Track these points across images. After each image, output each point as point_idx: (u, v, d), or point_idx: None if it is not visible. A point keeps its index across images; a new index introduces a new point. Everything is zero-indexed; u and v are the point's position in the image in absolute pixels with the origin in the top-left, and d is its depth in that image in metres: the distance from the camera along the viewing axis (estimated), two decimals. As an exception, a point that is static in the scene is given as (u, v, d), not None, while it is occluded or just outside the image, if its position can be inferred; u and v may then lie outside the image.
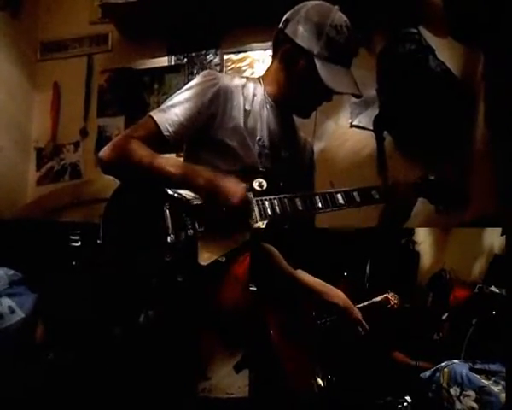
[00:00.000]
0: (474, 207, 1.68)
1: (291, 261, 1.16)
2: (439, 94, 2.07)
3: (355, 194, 1.29)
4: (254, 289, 1.13)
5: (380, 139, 2.30)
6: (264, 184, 1.21)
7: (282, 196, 1.24)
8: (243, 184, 1.20)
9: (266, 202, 1.22)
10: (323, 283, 1.19)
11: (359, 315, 1.18)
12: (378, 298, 1.27)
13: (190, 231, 1.18)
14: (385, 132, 2.30)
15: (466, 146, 2.08)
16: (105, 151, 1.25)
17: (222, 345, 1.17)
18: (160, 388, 1.18)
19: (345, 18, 1.33)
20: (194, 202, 1.22)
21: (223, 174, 1.21)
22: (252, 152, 1.33)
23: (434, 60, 2.10)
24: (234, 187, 1.19)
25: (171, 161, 1.25)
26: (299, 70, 1.33)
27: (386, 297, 1.28)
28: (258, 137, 1.35)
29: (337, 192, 1.28)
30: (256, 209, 1.22)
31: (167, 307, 1.16)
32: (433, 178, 1.41)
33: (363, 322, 1.18)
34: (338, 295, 1.18)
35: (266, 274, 1.15)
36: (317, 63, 1.29)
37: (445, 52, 2.15)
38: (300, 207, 1.24)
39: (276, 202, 1.23)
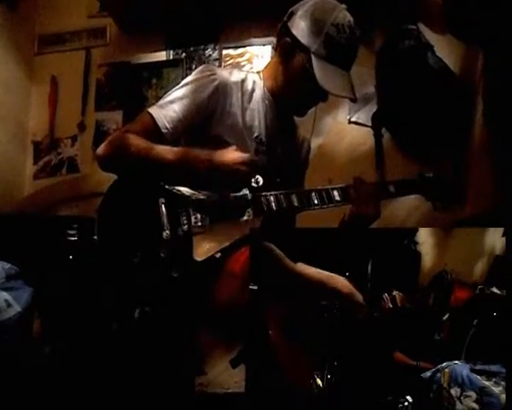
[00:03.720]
0: (472, 204, 1.68)
1: (291, 260, 1.16)
2: (438, 91, 2.06)
3: (351, 191, 1.29)
4: (255, 287, 1.13)
5: (378, 136, 2.30)
6: (261, 180, 1.21)
7: (277, 192, 1.24)
8: (242, 154, 1.21)
9: (262, 199, 1.22)
10: (325, 271, 1.19)
11: (361, 300, 1.18)
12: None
13: (186, 227, 1.18)
14: (383, 129, 2.30)
15: (464, 143, 2.07)
16: (101, 148, 1.25)
17: (218, 340, 1.17)
18: (157, 383, 1.18)
19: (349, 18, 1.29)
20: (191, 198, 1.21)
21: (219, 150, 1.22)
22: (249, 149, 1.32)
23: (433, 57, 2.10)
24: (235, 152, 1.20)
25: (167, 149, 1.23)
26: (296, 65, 1.31)
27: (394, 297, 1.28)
28: (255, 134, 1.34)
29: (333, 189, 1.28)
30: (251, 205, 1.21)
31: (163, 303, 1.16)
32: (431, 175, 1.40)
33: (366, 307, 1.18)
34: (341, 281, 1.18)
35: (267, 271, 1.15)
36: (314, 61, 1.26)
37: (444, 49, 2.15)
38: (296, 204, 1.24)
39: (271, 198, 1.23)
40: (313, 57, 1.27)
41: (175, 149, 1.26)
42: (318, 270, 1.18)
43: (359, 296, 1.18)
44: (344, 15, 1.29)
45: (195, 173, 1.21)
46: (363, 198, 1.28)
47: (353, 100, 1.35)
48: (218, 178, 1.20)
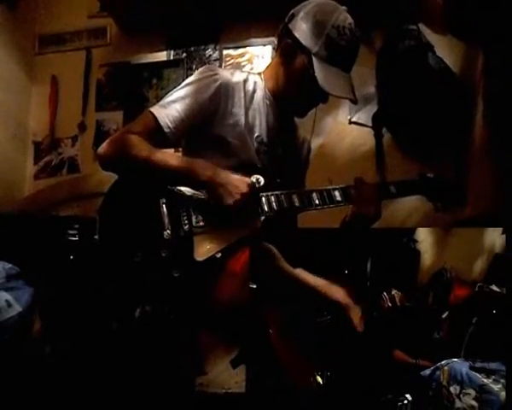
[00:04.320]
0: (473, 204, 1.68)
1: (291, 260, 1.17)
2: (438, 91, 2.06)
3: (352, 191, 1.29)
4: (254, 286, 1.13)
5: (378, 136, 2.30)
6: (262, 180, 1.21)
7: (278, 192, 1.24)
8: (247, 179, 1.18)
9: (263, 199, 1.22)
10: (324, 281, 1.19)
11: (359, 313, 1.18)
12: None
13: (187, 227, 1.18)
14: (384, 129, 2.30)
15: (464, 143, 2.08)
16: (103, 147, 1.25)
17: (219, 341, 1.17)
18: (157, 383, 1.18)
19: (350, 20, 1.29)
20: (192, 198, 1.22)
21: (225, 170, 1.20)
22: (250, 149, 1.32)
23: (434, 57, 2.10)
24: (238, 183, 1.18)
25: (171, 156, 1.24)
26: (297, 67, 1.31)
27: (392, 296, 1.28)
28: (256, 134, 1.34)
29: (334, 189, 1.28)
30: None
31: (164, 303, 1.16)
32: (431, 176, 1.40)
33: (362, 321, 1.18)
34: (339, 292, 1.18)
35: (266, 273, 1.15)
36: (315, 62, 1.27)
37: (445, 49, 2.15)
38: (297, 204, 1.24)
39: (272, 198, 1.23)
40: (314, 59, 1.27)
41: (178, 156, 1.26)
42: (318, 278, 1.19)
43: (356, 309, 1.18)
44: (344, 17, 1.29)
45: (196, 184, 1.21)
46: (364, 199, 1.28)
47: (354, 101, 1.35)
48: (218, 195, 1.18)
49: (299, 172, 1.51)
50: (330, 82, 1.27)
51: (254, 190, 1.18)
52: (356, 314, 1.18)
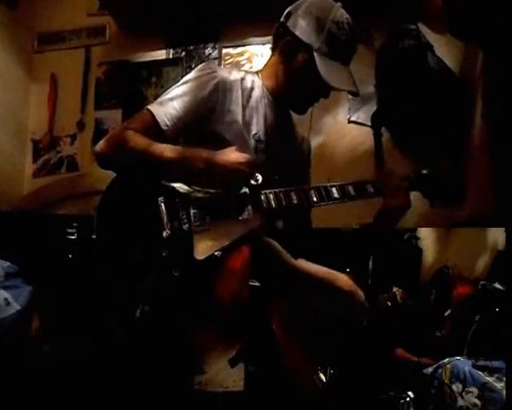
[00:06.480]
0: (472, 204, 1.68)
1: (293, 256, 1.16)
2: (438, 90, 2.07)
3: (350, 188, 1.29)
4: (256, 284, 1.13)
5: (377, 135, 2.31)
6: (260, 178, 1.21)
7: (277, 189, 1.24)
8: (244, 155, 1.21)
9: (262, 196, 1.22)
10: (327, 269, 1.18)
11: (363, 298, 1.18)
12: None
13: (186, 226, 1.18)
14: (383, 128, 2.30)
15: (464, 142, 2.08)
16: (100, 145, 1.25)
17: (218, 339, 1.17)
18: (156, 382, 1.18)
19: (346, 15, 1.33)
20: (191, 196, 1.22)
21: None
22: (248, 146, 1.32)
23: (433, 56, 2.11)
24: (235, 152, 1.20)
25: (166, 147, 1.23)
26: (298, 64, 1.32)
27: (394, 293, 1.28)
28: (254, 132, 1.35)
29: (332, 186, 1.28)
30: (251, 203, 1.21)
31: (163, 302, 1.16)
32: (425, 172, 1.40)
33: (367, 305, 1.18)
34: (343, 279, 1.18)
35: (268, 267, 1.15)
36: (317, 58, 1.28)
37: (444, 49, 2.16)
38: (295, 201, 1.24)
39: (271, 195, 1.23)
40: (316, 54, 1.28)
41: (174, 147, 1.26)
42: (320, 267, 1.18)
43: (361, 294, 1.17)
44: (341, 13, 1.32)
45: (194, 172, 1.21)
46: (392, 190, 1.28)
47: (356, 94, 1.36)
48: (218, 177, 1.20)
49: (302, 171, 1.51)
50: (333, 76, 1.29)
51: (251, 161, 1.20)
52: (361, 297, 1.17)
